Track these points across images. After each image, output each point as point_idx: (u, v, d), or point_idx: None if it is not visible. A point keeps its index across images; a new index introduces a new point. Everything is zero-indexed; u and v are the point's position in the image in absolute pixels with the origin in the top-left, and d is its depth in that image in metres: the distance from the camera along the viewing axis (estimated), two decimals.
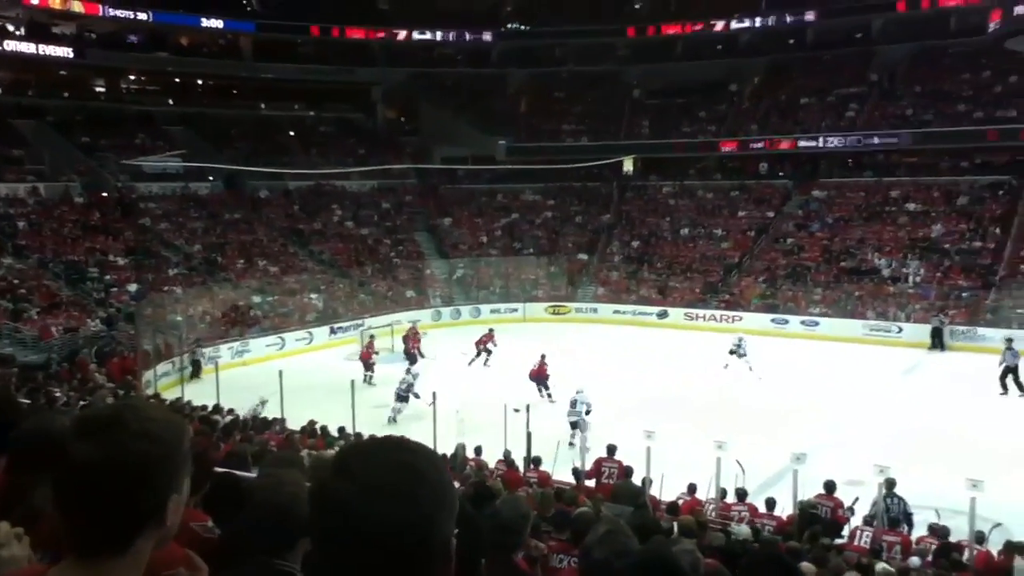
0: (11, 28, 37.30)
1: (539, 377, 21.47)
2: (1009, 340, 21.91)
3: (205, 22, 42.23)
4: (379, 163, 42.51)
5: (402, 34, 46.01)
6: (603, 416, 17.54)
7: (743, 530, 9.39)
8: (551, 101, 47.28)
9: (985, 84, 36.81)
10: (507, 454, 13.55)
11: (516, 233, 40.30)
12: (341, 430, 15.58)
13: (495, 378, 23.50)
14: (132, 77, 44.63)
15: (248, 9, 46.23)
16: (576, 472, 13.06)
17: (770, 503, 11.13)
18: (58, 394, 14.69)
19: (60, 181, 34.09)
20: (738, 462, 12.33)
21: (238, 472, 5.50)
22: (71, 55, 38.49)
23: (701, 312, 32.45)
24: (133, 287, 28.54)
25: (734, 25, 43.91)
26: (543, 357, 21.89)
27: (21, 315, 24.32)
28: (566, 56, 47.62)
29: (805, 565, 7.27)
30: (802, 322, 30.37)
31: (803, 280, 32.53)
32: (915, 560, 8.97)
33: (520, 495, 8.79)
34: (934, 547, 9.66)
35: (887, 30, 41.39)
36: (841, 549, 9.24)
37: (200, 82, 46.24)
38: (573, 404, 17.48)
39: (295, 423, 16.31)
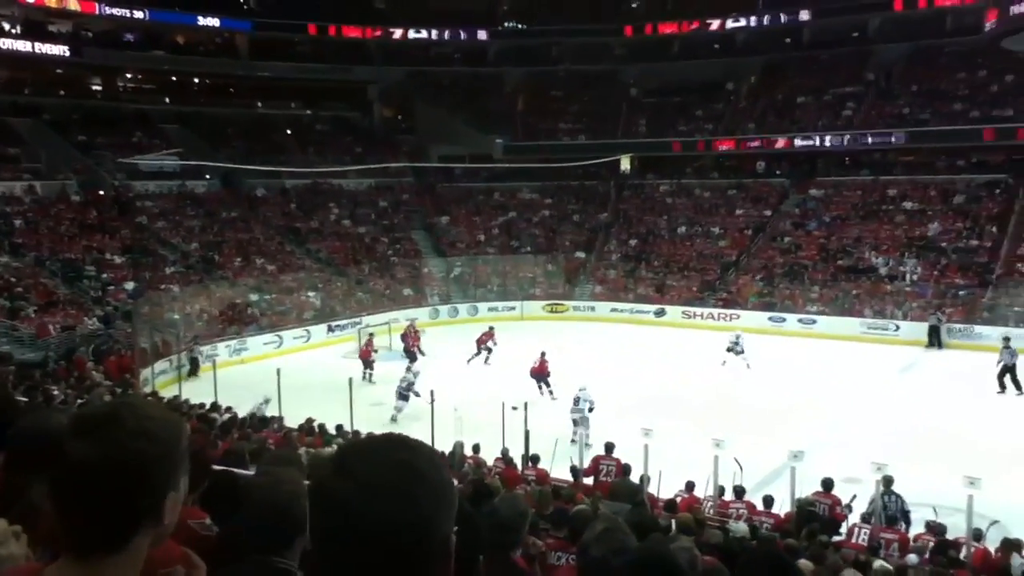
0: (7, 26, 37.20)
1: (540, 374, 21.49)
2: (1007, 339, 21.96)
3: (201, 21, 42.15)
4: (376, 162, 42.47)
5: (398, 33, 45.97)
6: (601, 414, 17.53)
7: (741, 528, 9.40)
8: (548, 100, 47.26)
9: (981, 83, 36.86)
10: (505, 452, 13.55)
11: (513, 231, 40.31)
12: (339, 428, 15.57)
13: (493, 376, 23.51)
14: (128, 76, 44.54)
15: (244, 8, 46.21)
16: (574, 470, 13.07)
17: (768, 501, 11.14)
18: (55, 392, 14.70)
19: (57, 179, 34.07)
20: (736, 460, 12.35)
21: (236, 470, 5.50)
22: (67, 53, 38.39)
23: (699, 310, 32.46)
24: (130, 285, 28.53)
25: (730, 24, 43.91)
26: (543, 354, 21.91)
27: (18, 313, 24.32)
28: (563, 55, 47.57)
29: (803, 562, 7.28)
30: (799, 320, 30.40)
31: (800, 278, 32.56)
32: (913, 557, 8.98)
33: (518, 493, 8.79)
34: (931, 544, 9.67)
35: (884, 29, 41.43)
36: (839, 546, 9.25)
37: (197, 81, 46.19)
38: (576, 402, 17.49)
39: (293, 421, 16.31)
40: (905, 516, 11.16)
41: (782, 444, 12.80)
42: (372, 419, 16.52)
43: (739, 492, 11.54)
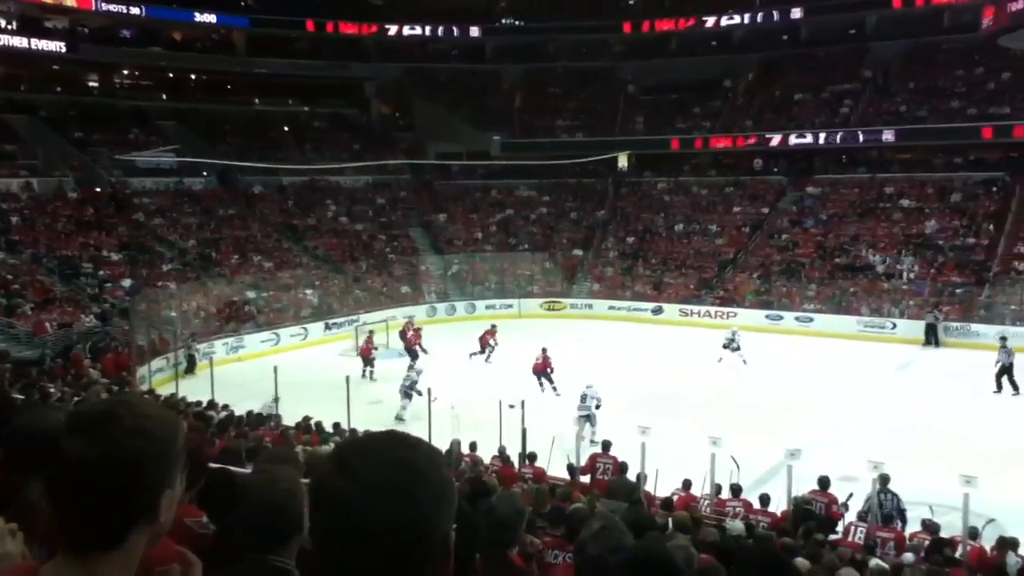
0: (3, 22, 37.11)
1: (543, 371, 21.52)
2: (1004, 338, 21.94)
3: (198, 17, 42.05)
4: (373, 159, 42.47)
5: (396, 29, 45.87)
6: (599, 412, 17.54)
7: (737, 526, 9.41)
8: (546, 97, 47.21)
9: (978, 81, 36.90)
10: (502, 450, 13.56)
11: (511, 229, 40.31)
12: (336, 426, 15.58)
13: (490, 374, 23.53)
14: (125, 72, 44.46)
15: (242, 4, 46.10)
16: (571, 468, 13.08)
17: (764, 499, 11.15)
18: (52, 390, 14.68)
19: (53, 176, 34.03)
20: (733, 458, 12.35)
21: (232, 468, 5.50)
22: (64, 50, 38.31)
23: (696, 308, 32.45)
24: (127, 283, 28.50)
25: (725, 22, 43.90)
26: (544, 351, 21.93)
27: (15, 310, 24.29)
28: (560, 52, 47.52)
29: (799, 561, 7.29)
30: (796, 318, 30.42)
31: (797, 276, 32.58)
32: (909, 556, 9.00)
33: (516, 491, 8.81)
34: (927, 543, 9.69)
35: (881, 27, 41.45)
36: (835, 545, 9.27)
37: (193, 77, 46.09)
38: (583, 399, 17.49)
39: (290, 419, 16.31)
40: (901, 514, 11.18)
41: (779, 442, 12.82)
42: (370, 417, 16.50)
43: (736, 490, 11.55)
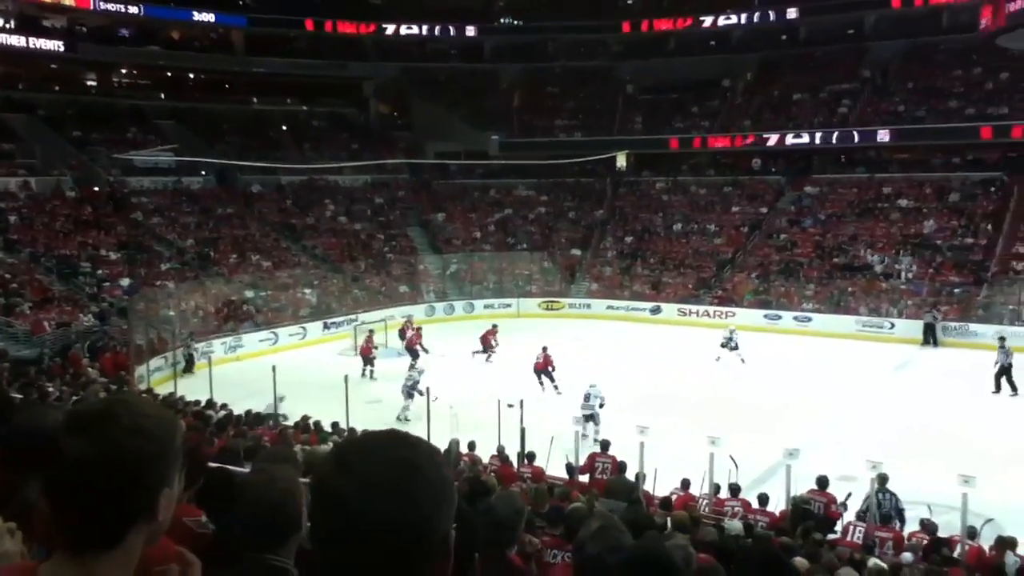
0: (1, 21, 37.09)
1: (543, 369, 21.53)
2: (1002, 339, 21.90)
3: (197, 16, 42.05)
4: (372, 158, 42.48)
5: (394, 28, 45.82)
6: (602, 411, 17.53)
7: (736, 525, 9.41)
8: (544, 96, 47.23)
9: (977, 81, 36.92)
10: (501, 449, 13.56)
11: (509, 228, 40.30)
12: (335, 425, 15.58)
13: (489, 374, 23.53)
14: (123, 71, 44.47)
15: (240, 3, 46.08)
16: (569, 467, 13.08)
17: (763, 499, 11.15)
18: (51, 389, 14.67)
19: (52, 175, 34.01)
20: (731, 457, 12.36)
21: (231, 468, 5.50)
22: (62, 49, 38.29)
23: (694, 308, 32.46)
24: (125, 282, 28.49)
25: (722, 22, 43.90)
26: (545, 349, 21.95)
27: (13, 310, 24.28)
28: (559, 51, 47.52)
29: (798, 560, 7.30)
30: (795, 318, 30.42)
31: (796, 276, 32.59)
32: (907, 556, 9.00)
33: (514, 491, 8.80)
34: (925, 543, 9.70)
35: (879, 27, 41.47)
36: (834, 545, 9.27)
37: (192, 76, 46.08)
38: (587, 398, 17.51)
39: (288, 418, 16.31)
40: (899, 514, 11.19)
41: (777, 442, 12.82)
42: (368, 417, 16.50)
43: (734, 490, 11.55)
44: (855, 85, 40.16)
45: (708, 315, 31.60)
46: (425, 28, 46.25)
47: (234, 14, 44.04)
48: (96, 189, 34.73)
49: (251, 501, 2.35)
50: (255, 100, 45.76)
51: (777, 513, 10.95)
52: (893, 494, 11.25)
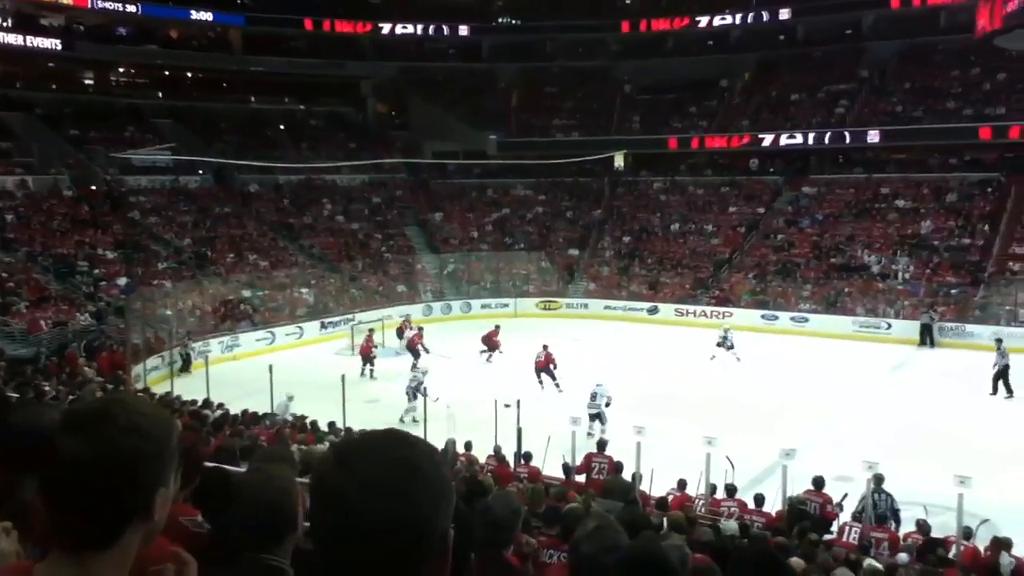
0: None
1: (545, 368, 21.55)
2: (999, 340, 21.84)
3: (195, 15, 41.96)
4: (370, 157, 42.46)
5: (392, 28, 45.77)
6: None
7: (732, 526, 9.42)
8: (542, 96, 47.21)
9: (974, 81, 36.95)
10: (497, 449, 13.56)
11: (507, 228, 40.30)
12: (331, 425, 15.58)
13: (487, 374, 23.52)
14: (121, 70, 44.39)
15: (238, 2, 46.02)
16: (566, 467, 13.09)
17: (758, 499, 11.16)
18: (47, 388, 14.64)
19: (49, 174, 33.94)
20: (728, 458, 12.36)
21: (227, 467, 5.49)
22: (59, 47, 38.23)
23: (691, 308, 32.47)
24: (122, 281, 28.45)
25: (718, 22, 43.91)
26: (546, 347, 21.97)
27: (10, 309, 24.25)
28: (557, 51, 47.51)
29: (794, 561, 7.31)
30: (792, 318, 30.45)
31: (793, 276, 32.62)
32: (903, 556, 9.02)
33: (511, 491, 8.80)
34: (920, 543, 9.72)
35: (877, 27, 41.50)
36: (830, 545, 9.28)
37: (189, 75, 46.01)
38: (593, 397, 17.54)
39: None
40: (895, 515, 11.21)
41: (774, 442, 12.82)
42: (366, 416, 16.49)
43: (731, 490, 11.57)
44: (853, 85, 40.18)
45: (705, 315, 31.60)
46: (421, 28, 46.20)
47: (232, 13, 43.95)
48: (93, 188, 34.67)
49: (247, 501, 2.35)
50: (253, 99, 45.72)
51: (773, 513, 10.96)
52: (889, 495, 11.27)
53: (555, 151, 41.62)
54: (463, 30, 46.85)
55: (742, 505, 11.14)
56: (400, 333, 27.37)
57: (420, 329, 26.26)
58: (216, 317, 28.53)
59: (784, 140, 37.92)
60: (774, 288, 32.32)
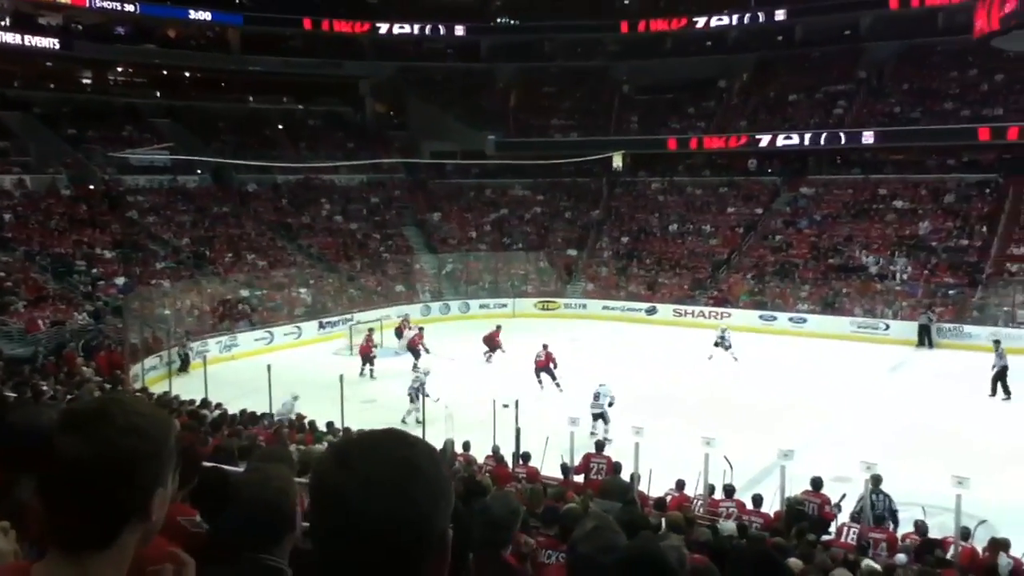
0: None
1: (545, 367, 21.55)
2: (997, 342, 21.82)
3: (193, 14, 41.93)
4: (368, 157, 42.45)
5: (390, 28, 45.76)
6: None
7: (729, 526, 9.43)
8: (540, 96, 47.22)
9: (972, 82, 36.99)
10: (496, 450, 13.56)
11: (505, 228, 40.30)
12: (329, 425, 15.57)
13: (485, 374, 23.51)
14: (119, 69, 44.37)
15: (236, 2, 46.00)
16: (565, 468, 13.09)
17: (757, 500, 11.16)
18: (45, 388, 14.61)
19: (47, 173, 33.89)
20: (726, 458, 12.37)
21: (225, 467, 5.48)
22: (57, 46, 38.20)
23: (690, 308, 32.49)
24: (120, 280, 28.42)
25: (714, 22, 43.94)
26: (546, 347, 21.99)
27: (7, 308, 24.20)
28: (555, 51, 47.54)
29: (792, 561, 7.31)
30: (790, 319, 30.47)
31: (791, 277, 32.65)
32: (901, 557, 9.02)
33: (510, 491, 8.81)
34: (917, 544, 9.72)
35: (875, 28, 41.54)
36: (828, 546, 9.28)
37: (188, 75, 46.01)
38: (596, 397, 17.54)
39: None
40: (893, 515, 11.20)
41: (772, 443, 12.83)
42: (363, 416, 16.49)
43: (729, 491, 11.57)
44: (851, 86, 40.22)
45: (704, 316, 31.63)
46: (419, 27, 46.18)
47: (230, 12, 43.91)
48: (91, 187, 34.62)
49: (246, 500, 2.35)
50: (251, 99, 45.70)
51: (771, 514, 10.97)
52: (887, 495, 11.27)
53: (553, 151, 41.62)
54: (461, 30, 46.88)
55: (740, 505, 11.14)
56: (399, 333, 27.37)
57: (421, 329, 26.21)
58: (214, 317, 28.52)
59: (781, 141, 37.95)
60: (772, 289, 32.34)
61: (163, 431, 1.36)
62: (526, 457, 13.24)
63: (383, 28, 45.67)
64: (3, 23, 37.00)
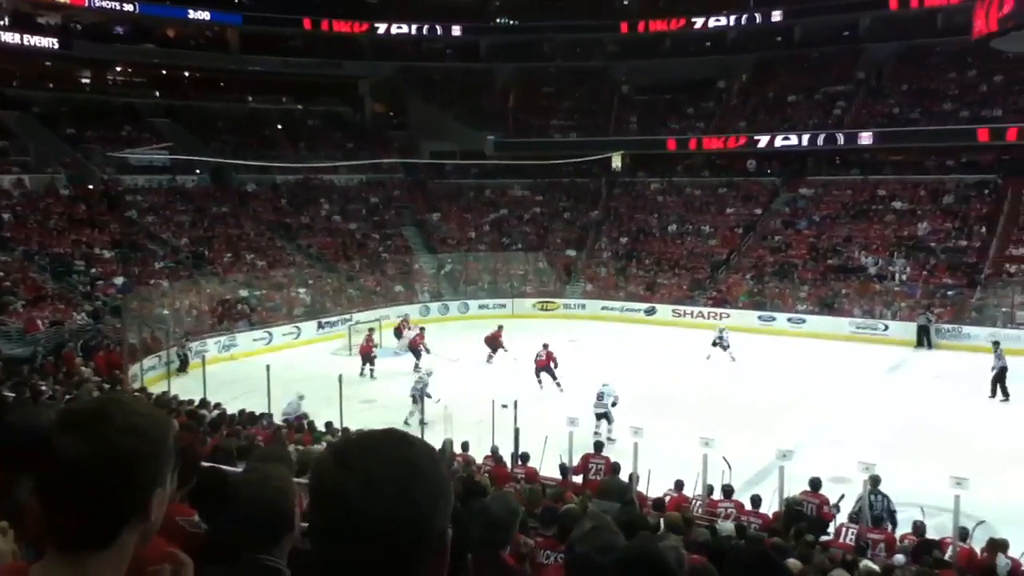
0: None
1: (545, 367, 21.55)
2: (996, 343, 21.83)
3: (192, 14, 41.94)
4: (367, 157, 42.44)
5: (389, 28, 45.77)
6: (591, 412, 17.54)
7: (728, 527, 9.43)
8: (539, 96, 47.23)
9: (971, 83, 37.02)
10: (495, 450, 13.56)
11: (504, 228, 40.30)
12: (328, 425, 15.57)
13: (484, 374, 23.50)
14: (118, 69, 44.36)
15: (235, 2, 46.00)
16: (563, 468, 13.09)
17: (755, 500, 11.16)
18: (43, 388, 14.60)
19: (46, 173, 33.85)
20: (724, 459, 12.38)
21: (224, 467, 5.49)
22: (56, 46, 38.19)
23: (689, 309, 32.50)
24: (119, 280, 28.40)
25: (712, 23, 43.96)
26: (546, 346, 21.99)
27: (6, 308, 24.18)
28: (554, 51, 47.56)
29: (791, 562, 7.31)
30: (789, 319, 30.49)
31: (790, 277, 32.66)
32: (900, 558, 9.02)
33: (509, 491, 8.81)
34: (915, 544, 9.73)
35: (874, 28, 41.58)
36: (826, 546, 9.29)
37: (187, 74, 45.98)
38: (600, 397, 17.56)
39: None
40: (891, 516, 11.21)
41: (771, 443, 12.82)
42: (362, 416, 16.49)
43: (728, 491, 11.57)
44: (850, 87, 40.24)
45: (703, 316, 31.65)
46: (418, 27, 46.19)
47: (230, 12, 43.90)
48: (90, 187, 34.59)
49: (244, 500, 2.35)
50: (250, 99, 45.68)
51: (770, 514, 10.97)
52: (885, 496, 11.27)
53: (552, 151, 41.64)
54: (460, 30, 46.92)
55: (739, 506, 11.14)
56: (398, 333, 27.35)
57: (422, 329, 26.18)
58: (213, 317, 28.50)
59: (780, 141, 37.98)
60: (771, 289, 32.35)
61: (162, 431, 1.36)
62: (525, 457, 13.23)
63: (382, 28, 45.70)
64: (2, 22, 36.97)
